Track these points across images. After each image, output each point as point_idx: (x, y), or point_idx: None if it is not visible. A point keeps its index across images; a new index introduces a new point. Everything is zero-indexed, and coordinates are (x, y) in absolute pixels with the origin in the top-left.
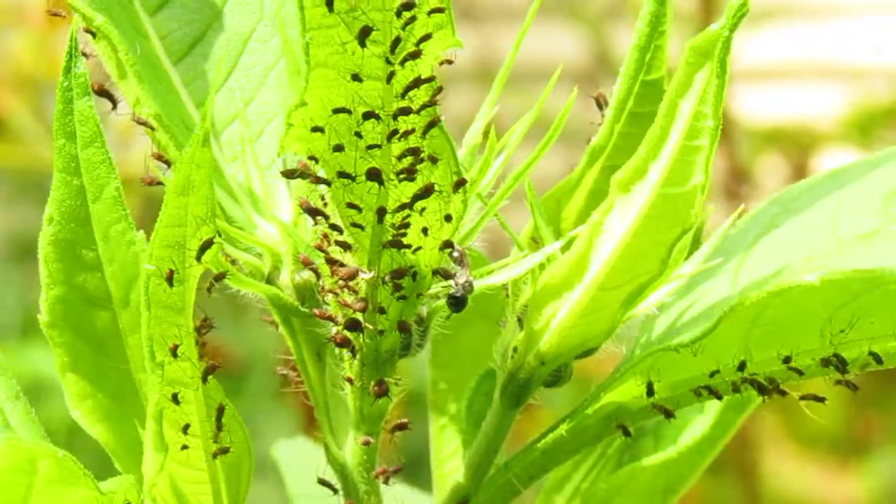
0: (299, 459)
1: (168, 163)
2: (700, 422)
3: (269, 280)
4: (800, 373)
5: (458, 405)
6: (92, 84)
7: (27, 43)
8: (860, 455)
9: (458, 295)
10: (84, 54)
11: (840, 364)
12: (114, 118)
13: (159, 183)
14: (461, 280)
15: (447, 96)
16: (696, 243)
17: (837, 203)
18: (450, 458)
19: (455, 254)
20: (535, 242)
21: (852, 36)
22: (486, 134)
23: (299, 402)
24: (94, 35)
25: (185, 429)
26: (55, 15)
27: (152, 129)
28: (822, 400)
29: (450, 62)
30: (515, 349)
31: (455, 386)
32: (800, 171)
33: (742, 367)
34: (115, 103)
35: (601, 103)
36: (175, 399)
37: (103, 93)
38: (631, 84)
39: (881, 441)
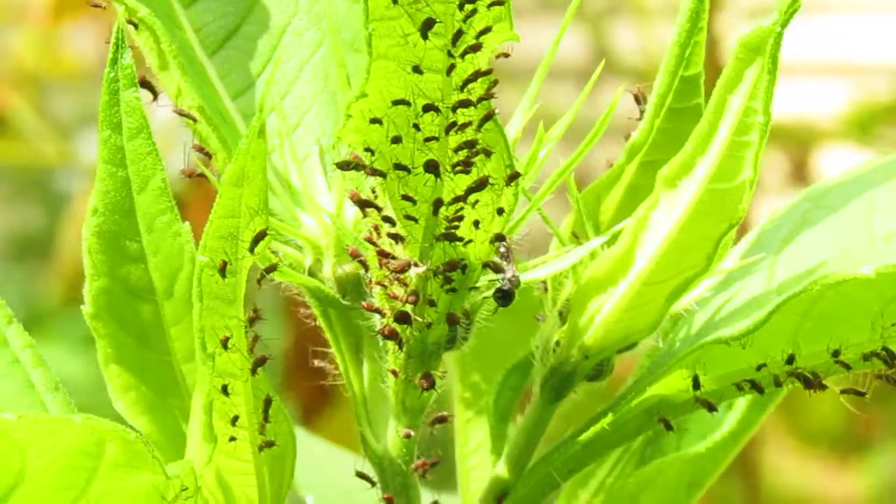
0: (300, 449)
1: (209, 155)
2: (729, 418)
3: (310, 272)
4: (847, 367)
5: (483, 399)
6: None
7: (29, 40)
8: (861, 452)
9: (505, 289)
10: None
11: (889, 357)
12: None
13: (200, 175)
14: (508, 275)
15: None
16: None
17: (870, 202)
18: (474, 452)
19: (502, 248)
20: (575, 237)
21: (854, 33)
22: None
23: (298, 395)
24: (135, 27)
25: (234, 420)
26: (95, 6)
27: (194, 120)
28: (863, 394)
29: (506, 55)
30: (558, 343)
31: (482, 380)
32: (800, 168)
33: (791, 360)
34: (156, 95)
35: (640, 99)
36: (225, 391)
37: (146, 84)
38: (671, 80)
39: (882, 438)
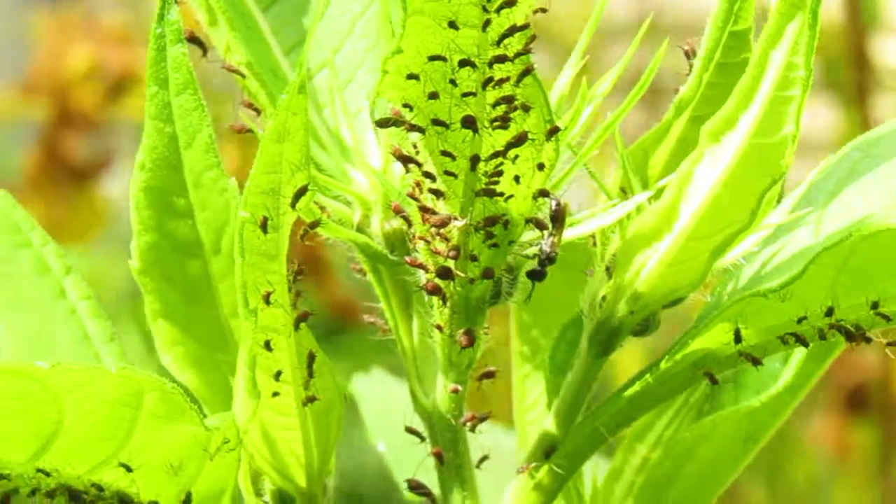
0: (377, 393)
1: (258, 111)
2: (784, 371)
3: (359, 228)
4: (887, 318)
5: (541, 354)
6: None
7: None
8: None
9: (535, 271)
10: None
11: None
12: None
13: (249, 131)
14: (546, 247)
15: (607, 48)
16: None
17: None
18: (532, 408)
19: (554, 205)
20: (623, 192)
21: None
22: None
23: None
24: None
25: (277, 375)
26: None
27: (243, 76)
28: None
29: (544, 10)
30: (604, 298)
31: (538, 335)
32: None
33: (830, 312)
34: (205, 51)
35: (689, 54)
36: (267, 346)
37: (194, 40)
38: (719, 34)
39: None
